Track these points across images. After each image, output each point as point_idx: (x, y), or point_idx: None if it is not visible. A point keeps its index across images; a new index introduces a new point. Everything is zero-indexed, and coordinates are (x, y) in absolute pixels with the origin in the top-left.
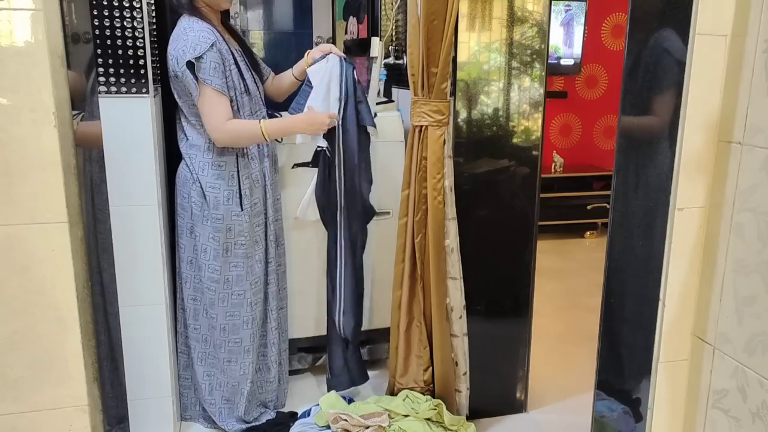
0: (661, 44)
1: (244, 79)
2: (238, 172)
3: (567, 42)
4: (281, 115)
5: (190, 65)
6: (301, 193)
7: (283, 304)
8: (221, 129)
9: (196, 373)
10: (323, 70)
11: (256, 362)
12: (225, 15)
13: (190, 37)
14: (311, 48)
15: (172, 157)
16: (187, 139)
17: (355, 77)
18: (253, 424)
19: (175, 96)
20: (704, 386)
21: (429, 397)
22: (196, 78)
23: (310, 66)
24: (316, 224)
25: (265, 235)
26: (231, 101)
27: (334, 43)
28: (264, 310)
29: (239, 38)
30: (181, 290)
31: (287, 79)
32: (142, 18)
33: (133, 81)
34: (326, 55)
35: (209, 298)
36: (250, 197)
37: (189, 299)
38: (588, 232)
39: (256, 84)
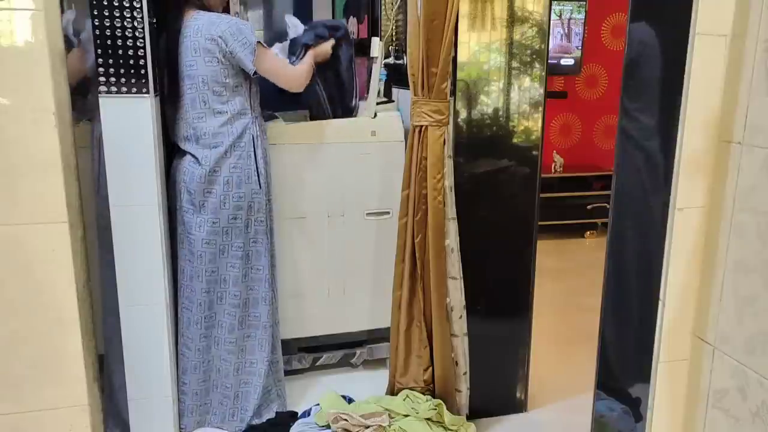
0: (661, 44)
1: None
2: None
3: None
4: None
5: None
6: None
7: (275, 303)
8: (293, 71)
9: (195, 372)
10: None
11: (251, 362)
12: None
13: (237, 20)
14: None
15: (172, 157)
16: (231, 133)
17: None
18: (254, 423)
19: (209, 86)
20: (704, 386)
21: (429, 396)
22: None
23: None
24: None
25: (247, 233)
26: (246, 79)
27: None
28: (250, 310)
29: None
30: (180, 289)
31: None
32: (142, 18)
33: (133, 81)
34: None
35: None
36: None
37: (203, 292)
38: (588, 232)
39: None
